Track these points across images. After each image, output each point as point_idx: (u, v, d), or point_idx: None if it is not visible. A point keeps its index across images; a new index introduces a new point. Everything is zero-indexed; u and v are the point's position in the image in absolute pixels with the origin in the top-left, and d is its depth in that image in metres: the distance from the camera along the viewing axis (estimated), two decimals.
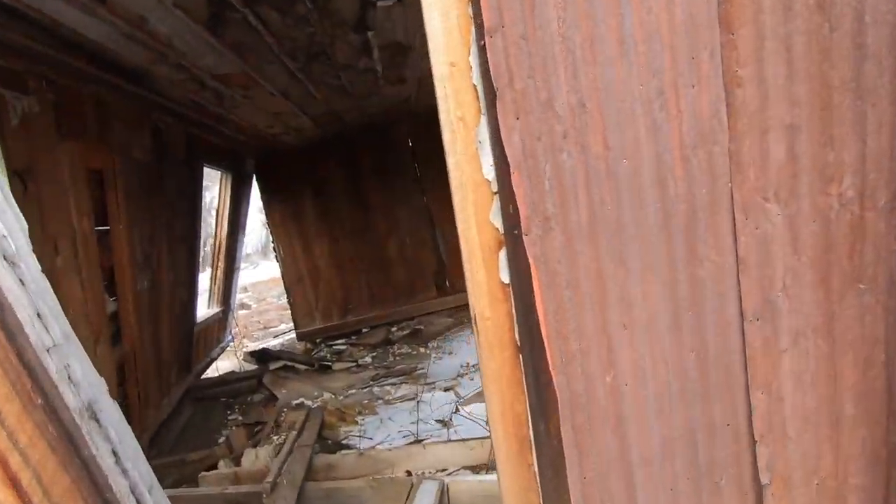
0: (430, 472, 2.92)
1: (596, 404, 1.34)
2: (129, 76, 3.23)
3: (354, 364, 5.36)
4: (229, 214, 6.30)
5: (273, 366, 5.37)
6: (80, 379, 0.88)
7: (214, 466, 3.66)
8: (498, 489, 2.38)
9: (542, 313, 1.24)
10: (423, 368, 4.97)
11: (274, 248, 7.17)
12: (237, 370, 6.07)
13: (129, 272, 3.76)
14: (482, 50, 1.17)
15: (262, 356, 5.65)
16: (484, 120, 1.21)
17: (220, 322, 6.51)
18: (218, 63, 3.19)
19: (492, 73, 1.15)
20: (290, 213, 7.06)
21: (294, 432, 3.22)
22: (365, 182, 7.15)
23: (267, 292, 15.27)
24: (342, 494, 2.44)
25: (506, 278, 1.29)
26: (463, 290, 5.22)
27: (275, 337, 8.00)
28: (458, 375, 4.56)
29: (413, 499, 2.20)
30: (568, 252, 1.25)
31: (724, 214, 1.29)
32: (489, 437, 3.01)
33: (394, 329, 6.86)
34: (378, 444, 3.37)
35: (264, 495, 2.32)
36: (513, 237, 1.25)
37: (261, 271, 20.53)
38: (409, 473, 2.92)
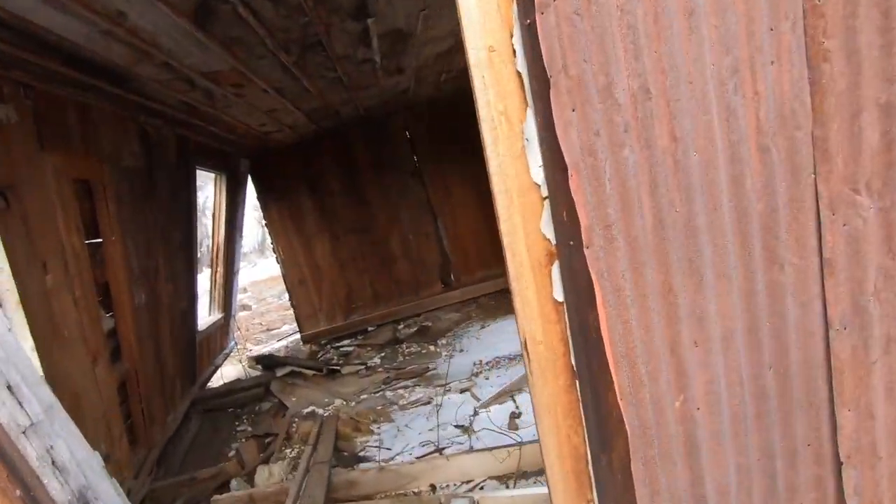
0: (454, 485, 2.78)
1: (665, 434, 1.17)
2: (111, 78, 3.02)
3: (363, 366, 5.21)
4: (226, 217, 6.09)
5: (280, 372, 5.21)
6: (66, 462, 0.72)
7: (226, 483, 3.51)
8: None
9: (606, 335, 1.08)
10: (435, 368, 4.82)
11: (273, 249, 6.98)
12: (242, 377, 5.91)
13: (125, 286, 3.58)
14: (528, 30, 0.98)
15: (268, 362, 5.49)
16: (531, 113, 1.04)
17: (223, 328, 6.34)
18: (206, 60, 2.98)
19: (544, 57, 0.96)
20: (288, 213, 6.86)
21: (309, 447, 3.07)
22: (363, 177, 6.95)
23: (266, 291, 15.10)
24: None
25: (559, 296, 1.12)
26: (469, 283, 5.09)
27: (278, 340, 7.84)
28: (473, 375, 4.41)
29: None
30: (633, 263, 1.08)
31: (808, 211, 1.12)
32: (516, 446, 2.86)
33: (400, 327, 6.71)
34: (397, 454, 3.22)
35: None
36: (567, 248, 1.08)
37: (259, 270, 20.32)
38: (433, 487, 2.78)
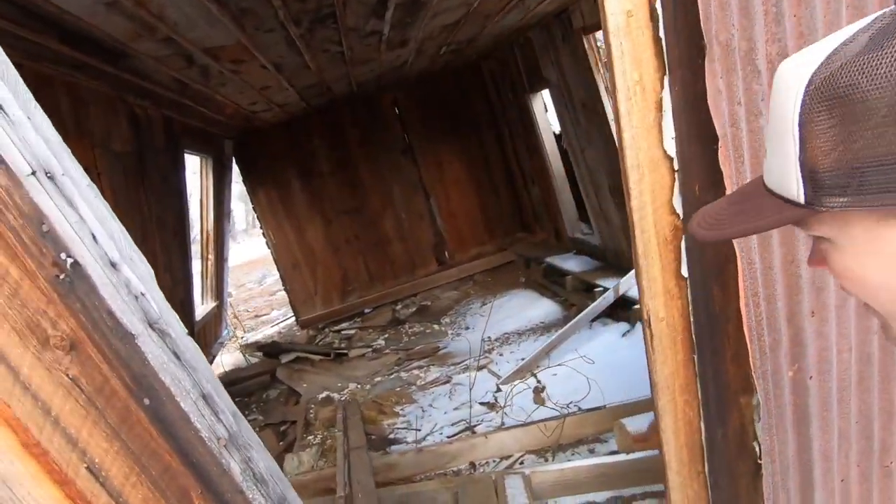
0: (493, 461, 2.80)
1: (780, 403, 1.19)
2: (106, 55, 2.79)
3: (370, 349, 5.16)
4: (214, 203, 5.85)
5: (285, 359, 5.12)
6: (263, 473, 0.66)
7: None
8: (577, 476, 2.25)
9: (744, 309, 1.06)
10: (445, 347, 4.82)
11: (263, 234, 6.77)
12: (241, 365, 5.79)
13: None
14: None
15: (271, 349, 5.38)
16: (667, 83, 0.99)
17: (217, 316, 6.16)
18: (211, 34, 2.78)
19: (701, 21, 0.91)
20: (277, 196, 6.65)
21: (339, 433, 3.03)
22: (353, 156, 6.77)
23: (244, 277, 14.75)
24: (419, 500, 2.28)
25: (685, 272, 1.10)
26: (464, 261, 5.04)
27: (271, 326, 7.68)
28: (486, 351, 4.43)
29: (506, 498, 2.06)
30: (761, 236, 1.06)
31: None
32: (552, 419, 2.89)
33: (398, 307, 6.66)
34: (427, 434, 3.22)
35: None
36: None
37: (231, 256, 19.82)
38: (472, 465, 2.79)
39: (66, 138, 2.35)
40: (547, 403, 3.30)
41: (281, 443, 3.73)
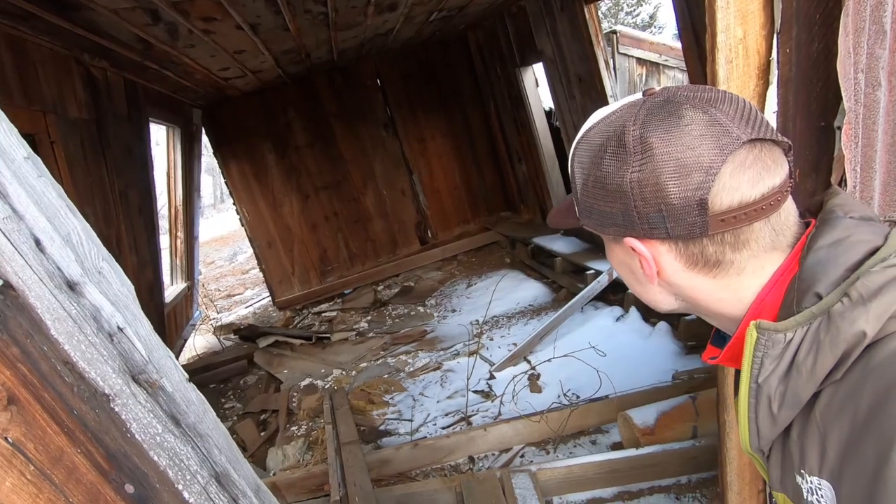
0: (493, 455, 2.68)
1: None
2: (54, 4, 2.43)
3: (354, 332, 4.96)
4: (182, 176, 5.45)
5: (263, 343, 4.87)
6: None
7: None
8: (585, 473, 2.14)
9: None
10: (432, 331, 4.66)
11: (237, 210, 6.40)
12: (215, 348, 5.51)
13: None
14: None
15: (249, 333, 5.12)
16: (776, 44, 0.80)
17: (187, 298, 5.82)
18: None
19: None
20: (252, 171, 6.27)
21: (327, 426, 2.85)
22: (332, 129, 6.43)
23: (214, 254, 14.23)
24: (419, 500, 2.14)
25: None
26: (447, 241, 4.86)
27: (245, 307, 7.37)
28: (475, 336, 4.29)
29: (515, 499, 1.94)
30: None
31: None
32: (555, 410, 2.77)
33: (380, 288, 6.46)
34: (420, 425, 3.07)
35: None
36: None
37: (201, 231, 19.08)
38: (470, 459, 2.67)
39: (11, 102, 2.00)
40: (543, 391, 3.19)
41: (262, 433, 3.54)
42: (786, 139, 0.51)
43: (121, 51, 3.32)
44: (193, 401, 0.45)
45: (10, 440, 0.42)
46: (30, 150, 0.39)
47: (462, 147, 6.95)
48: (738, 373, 0.68)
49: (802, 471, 0.48)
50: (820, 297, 0.46)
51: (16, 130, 0.39)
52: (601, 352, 3.27)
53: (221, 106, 5.98)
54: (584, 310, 4.17)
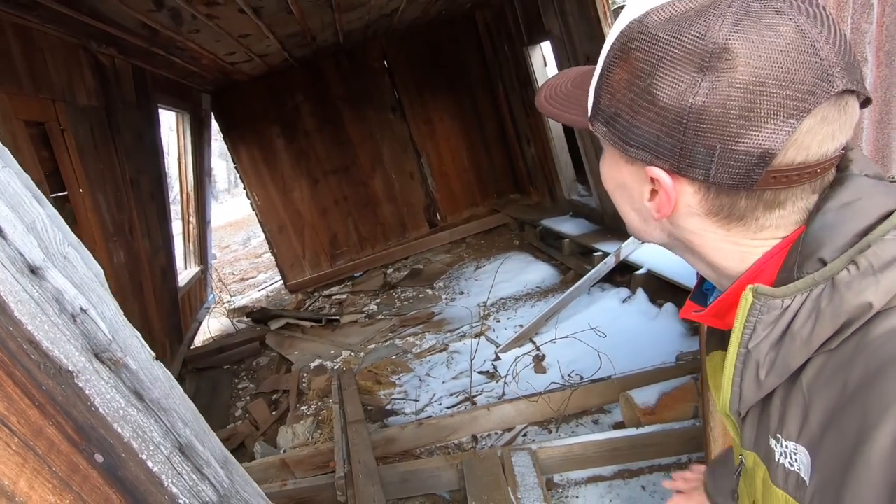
0: (496, 434, 2.73)
1: None
2: None
3: (363, 315, 5.03)
4: (192, 162, 5.52)
5: (274, 325, 4.97)
6: None
7: (242, 445, 3.36)
8: (585, 451, 2.17)
9: None
10: (439, 313, 4.71)
11: (248, 195, 6.47)
12: (229, 330, 5.64)
13: (101, 245, 3.17)
14: None
15: (261, 315, 5.22)
16: None
17: (201, 281, 5.95)
18: None
19: None
20: (261, 156, 6.32)
21: (335, 405, 2.92)
22: (340, 113, 6.42)
23: (229, 238, 14.43)
24: (421, 476, 2.20)
25: None
26: (456, 224, 4.86)
27: (258, 290, 7.50)
28: (482, 318, 4.33)
29: (514, 476, 1.98)
30: None
31: None
32: (557, 391, 2.80)
33: (389, 271, 6.51)
34: (425, 405, 3.13)
35: (339, 492, 2.05)
36: None
37: (214, 217, 19.30)
38: (474, 437, 2.72)
39: (21, 90, 2.05)
40: (548, 372, 3.22)
41: (274, 412, 3.64)
42: (868, 93, 0.44)
43: (127, 38, 3.35)
44: (160, 378, 0.47)
45: None
46: None
47: (471, 129, 6.89)
48: (716, 331, 0.67)
49: (779, 435, 0.47)
50: (824, 263, 0.42)
51: None
52: (601, 333, 3.28)
53: (230, 91, 6.01)
54: (591, 291, 4.17)
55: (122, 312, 0.48)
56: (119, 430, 0.40)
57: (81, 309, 0.41)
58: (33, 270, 0.37)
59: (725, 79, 0.40)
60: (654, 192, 0.49)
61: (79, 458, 0.41)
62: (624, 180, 0.51)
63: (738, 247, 0.48)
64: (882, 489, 0.37)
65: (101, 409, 0.40)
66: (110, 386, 0.40)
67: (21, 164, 1.88)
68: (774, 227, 0.47)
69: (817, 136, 0.42)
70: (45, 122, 2.84)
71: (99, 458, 0.41)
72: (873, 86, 0.85)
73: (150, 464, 0.41)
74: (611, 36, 0.48)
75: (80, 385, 0.39)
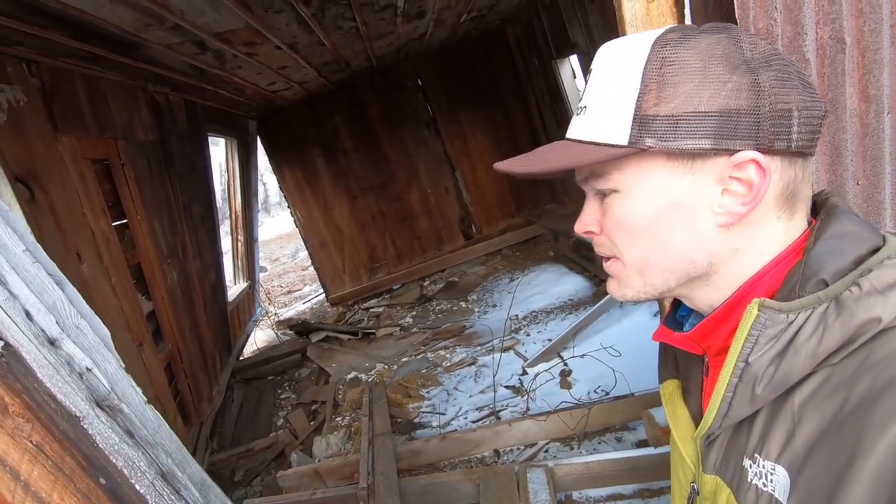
0: (518, 449, 2.78)
1: None
2: (119, 47, 2.76)
3: (398, 328, 5.19)
4: (240, 184, 5.90)
5: (315, 337, 5.21)
6: None
7: (281, 453, 3.57)
8: (603, 469, 2.18)
9: None
10: (471, 326, 4.79)
11: (291, 213, 6.82)
12: (274, 342, 5.95)
13: (157, 267, 3.48)
14: None
15: (302, 328, 5.49)
16: None
17: (249, 296, 6.32)
18: (219, 19, 2.70)
19: (736, 5, 0.77)
20: (303, 176, 6.65)
21: (364, 417, 3.07)
22: (376, 131, 6.67)
23: (279, 251, 15.10)
24: (441, 490, 2.29)
25: None
26: (491, 236, 4.93)
27: (303, 302, 7.85)
28: (512, 331, 4.37)
29: (528, 492, 2.04)
30: None
31: None
32: (578, 408, 2.82)
33: (426, 283, 6.66)
34: (452, 419, 3.22)
35: (361, 502, 2.17)
36: None
37: (266, 230, 20.18)
38: (496, 452, 2.78)
39: (87, 134, 2.34)
40: (574, 388, 3.23)
41: (311, 423, 3.83)
42: None
43: (178, 77, 3.68)
44: (149, 418, 0.60)
45: (34, 442, 0.60)
46: (29, 241, 0.55)
47: (504, 142, 6.97)
48: (669, 360, 0.68)
49: (757, 455, 0.47)
50: (826, 284, 0.45)
51: (21, 224, 0.55)
52: (616, 352, 3.26)
53: (273, 116, 6.38)
54: (623, 305, 4.13)
55: (123, 366, 0.61)
56: (114, 460, 0.53)
57: (87, 368, 0.54)
58: (52, 342, 0.51)
59: (766, 41, 0.48)
60: (723, 192, 0.48)
61: (88, 480, 0.54)
62: (681, 198, 0.49)
63: (769, 242, 0.50)
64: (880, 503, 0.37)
65: (100, 445, 0.53)
66: (107, 427, 0.54)
67: (87, 198, 2.17)
68: (801, 212, 0.50)
69: None
70: (108, 158, 3.17)
71: (102, 481, 0.54)
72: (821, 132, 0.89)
73: (137, 487, 0.54)
74: (628, 62, 0.49)
75: (85, 426, 0.52)
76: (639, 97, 0.48)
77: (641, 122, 0.48)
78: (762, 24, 0.79)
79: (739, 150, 0.46)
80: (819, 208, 0.53)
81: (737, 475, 0.50)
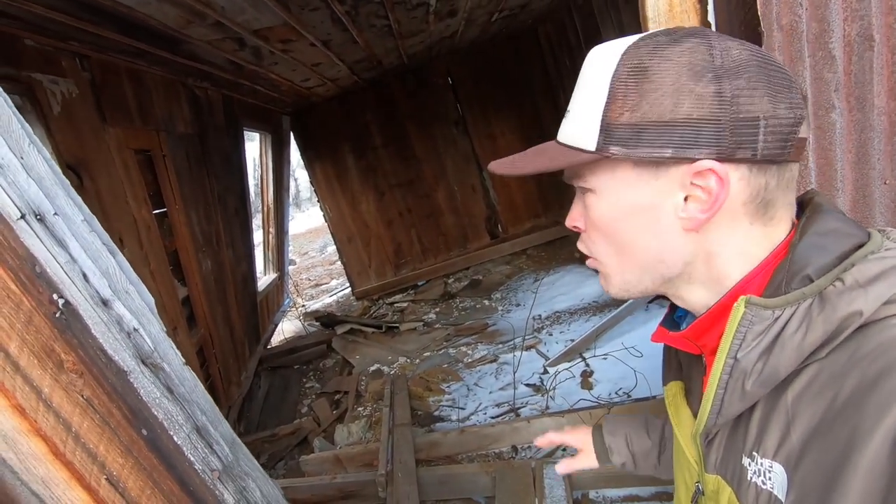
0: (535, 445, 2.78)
1: None
2: (163, 43, 2.90)
3: (421, 323, 5.25)
4: (273, 178, 6.06)
5: (340, 329, 5.32)
6: (259, 501, 0.67)
7: (305, 439, 3.67)
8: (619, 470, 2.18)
9: None
10: (494, 324, 4.80)
11: (321, 208, 6.97)
12: (301, 333, 6.10)
13: (192, 255, 3.63)
14: None
15: (327, 320, 5.61)
16: None
17: (278, 287, 6.49)
18: (258, 16, 2.80)
19: (759, 2, 0.78)
20: (333, 172, 6.78)
21: (385, 408, 3.13)
22: (406, 129, 6.74)
23: (307, 245, 15.41)
24: (458, 481, 2.32)
25: None
26: (517, 235, 4.93)
27: (329, 295, 8.00)
28: (535, 330, 4.37)
29: (543, 488, 2.05)
30: None
31: None
32: (598, 408, 2.81)
33: (450, 280, 6.70)
34: (471, 413, 3.25)
35: (380, 488, 2.23)
36: None
37: (297, 224, 20.61)
38: (514, 448, 2.80)
39: (132, 125, 2.48)
40: (595, 389, 3.22)
41: (334, 411, 3.92)
42: None
43: (217, 73, 3.82)
44: (187, 378, 0.66)
45: (84, 396, 0.66)
46: (86, 212, 0.61)
47: (533, 141, 6.86)
48: (673, 361, 0.69)
49: (755, 452, 0.47)
50: (811, 280, 0.45)
51: (76, 198, 0.61)
52: (637, 352, 3.23)
53: (307, 112, 6.53)
54: (650, 308, 4.07)
55: (164, 329, 0.67)
56: (156, 413, 0.58)
57: (134, 328, 0.60)
58: (104, 302, 0.56)
59: (757, 52, 0.47)
60: (686, 200, 0.49)
61: (131, 430, 0.60)
62: (647, 202, 0.50)
63: (749, 246, 0.50)
64: (876, 495, 0.37)
65: (144, 398, 0.58)
66: (150, 382, 0.59)
67: (131, 186, 2.30)
68: (781, 219, 0.50)
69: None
70: (151, 149, 3.33)
71: (144, 432, 0.59)
72: (846, 129, 0.88)
73: (175, 438, 0.59)
74: (602, 69, 0.50)
75: (131, 381, 0.58)
76: (606, 105, 0.49)
77: (607, 129, 0.49)
78: (786, 21, 0.79)
79: (699, 160, 0.47)
80: (804, 207, 0.53)
81: (737, 474, 0.50)
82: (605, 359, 3.45)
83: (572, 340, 3.87)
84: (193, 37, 2.88)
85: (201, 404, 0.65)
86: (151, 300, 0.65)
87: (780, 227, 0.51)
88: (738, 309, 0.47)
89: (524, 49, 6.57)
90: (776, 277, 0.48)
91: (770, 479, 0.46)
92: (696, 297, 0.54)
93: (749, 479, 0.48)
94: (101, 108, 2.76)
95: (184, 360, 0.67)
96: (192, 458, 0.59)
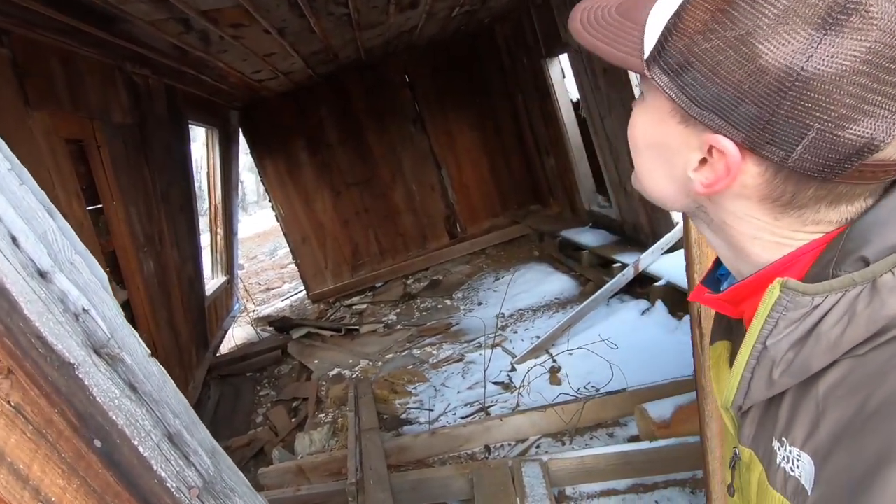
0: (509, 445, 2.73)
1: None
2: (97, 20, 2.62)
3: (381, 325, 5.09)
4: (221, 176, 5.72)
5: (296, 334, 5.08)
6: None
7: (262, 451, 3.44)
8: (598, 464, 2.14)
9: None
10: (457, 324, 4.73)
11: (272, 207, 6.66)
12: (252, 339, 5.78)
13: (132, 255, 3.32)
14: None
15: (282, 324, 5.34)
16: None
17: (227, 291, 6.13)
18: None
19: None
20: (286, 168, 6.50)
21: (350, 413, 2.97)
22: (362, 126, 6.57)
23: (257, 249, 14.79)
24: (432, 485, 2.22)
25: None
26: (476, 234, 4.89)
27: (282, 299, 7.67)
28: (500, 328, 4.33)
29: (523, 486, 1.98)
30: None
31: None
32: (571, 403, 2.79)
33: (409, 281, 6.57)
34: (440, 415, 3.15)
35: (350, 498, 2.08)
36: None
37: (243, 228, 19.76)
38: (487, 448, 2.72)
39: (61, 109, 2.20)
40: (564, 384, 3.20)
41: (293, 419, 3.71)
42: None
43: (159, 58, 3.53)
44: (154, 373, 0.52)
45: (12, 403, 0.51)
46: (15, 162, 0.46)
47: (490, 141, 6.95)
48: (722, 320, 0.61)
49: (784, 438, 0.44)
50: (866, 263, 0.38)
51: (4, 145, 0.46)
52: (613, 345, 3.25)
53: (257, 107, 6.23)
54: (610, 303, 4.13)
55: (122, 314, 0.53)
56: (114, 417, 0.45)
57: (83, 309, 0.46)
58: (42, 274, 0.42)
59: (852, 44, 0.34)
60: (703, 162, 0.42)
61: (80, 442, 0.46)
62: (666, 141, 0.44)
63: (777, 237, 0.43)
64: None
65: (98, 398, 0.45)
66: (107, 378, 0.46)
67: (60, 178, 2.02)
68: (828, 221, 0.42)
69: None
70: (83, 139, 3.01)
71: (97, 443, 0.46)
72: None
73: (141, 449, 0.46)
74: None
75: (80, 376, 0.44)
76: (673, 15, 0.40)
77: (661, 43, 0.41)
78: None
79: (717, 133, 0.40)
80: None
81: (767, 454, 0.47)
82: (570, 354, 3.45)
83: (538, 337, 3.85)
84: (133, 14, 2.63)
85: (173, 405, 0.52)
86: (104, 275, 0.51)
87: (829, 226, 0.43)
88: (773, 292, 0.41)
89: (481, 48, 6.58)
90: (825, 256, 0.42)
91: (798, 467, 0.43)
92: (725, 256, 0.50)
93: (778, 463, 0.45)
94: (23, 89, 2.45)
95: (148, 352, 0.53)
96: (163, 474, 0.46)
